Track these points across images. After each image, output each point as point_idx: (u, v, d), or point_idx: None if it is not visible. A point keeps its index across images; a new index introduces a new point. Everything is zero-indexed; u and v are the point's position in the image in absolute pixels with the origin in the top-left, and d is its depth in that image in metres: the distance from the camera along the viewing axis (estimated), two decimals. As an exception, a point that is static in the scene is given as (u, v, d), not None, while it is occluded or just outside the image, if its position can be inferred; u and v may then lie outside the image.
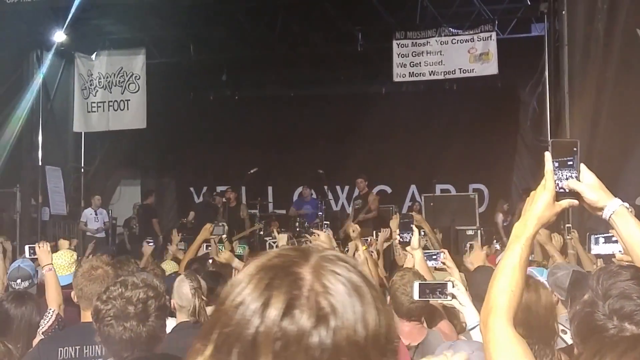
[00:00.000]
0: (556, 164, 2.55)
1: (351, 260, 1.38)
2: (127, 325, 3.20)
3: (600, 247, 3.68)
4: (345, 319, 1.26)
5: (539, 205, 2.54)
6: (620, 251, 3.45)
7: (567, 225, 10.94)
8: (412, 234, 5.55)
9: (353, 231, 7.25)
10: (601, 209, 2.57)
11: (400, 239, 5.81)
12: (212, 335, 1.29)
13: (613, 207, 2.56)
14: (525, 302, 4.16)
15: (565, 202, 2.55)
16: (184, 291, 4.83)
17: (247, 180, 18.09)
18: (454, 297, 4.01)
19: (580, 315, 2.52)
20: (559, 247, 7.50)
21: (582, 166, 2.56)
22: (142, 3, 14.93)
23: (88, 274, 4.67)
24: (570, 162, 2.55)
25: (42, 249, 5.89)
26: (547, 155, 2.59)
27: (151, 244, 9.57)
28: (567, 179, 2.54)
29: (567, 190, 2.53)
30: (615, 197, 2.55)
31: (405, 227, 5.68)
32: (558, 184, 2.55)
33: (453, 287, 4.03)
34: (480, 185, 18.46)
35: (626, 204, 2.62)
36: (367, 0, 15.71)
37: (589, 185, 2.54)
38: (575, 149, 2.59)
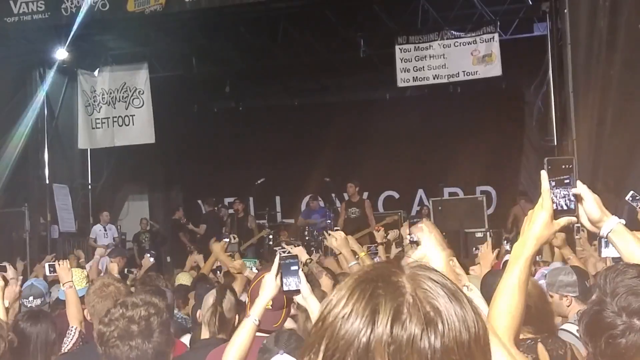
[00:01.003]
0: (552, 183, 2.55)
1: (438, 269, 1.44)
2: (132, 344, 3.18)
3: (610, 250, 3.65)
4: (451, 322, 1.30)
5: (537, 225, 2.54)
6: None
7: (577, 224, 10.91)
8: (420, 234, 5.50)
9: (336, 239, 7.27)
10: (599, 225, 2.61)
11: (410, 239, 5.79)
12: (320, 347, 1.32)
13: (611, 225, 2.60)
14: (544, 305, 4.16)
15: (564, 220, 2.57)
16: (207, 303, 4.84)
17: (255, 191, 18.11)
18: None
19: (589, 314, 2.50)
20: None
21: (581, 184, 2.56)
22: (142, 18, 14.95)
23: (100, 291, 4.69)
24: (567, 181, 2.55)
25: (62, 267, 5.93)
26: (544, 174, 2.59)
27: (152, 258, 9.57)
28: (563, 197, 2.55)
29: (566, 208, 2.54)
30: (623, 195, 2.63)
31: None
32: (555, 202, 2.55)
33: (469, 291, 4.00)
34: (487, 187, 18.41)
35: (622, 220, 2.65)
36: (368, 6, 15.72)
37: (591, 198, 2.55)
38: (571, 166, 2.58)
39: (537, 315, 4.24)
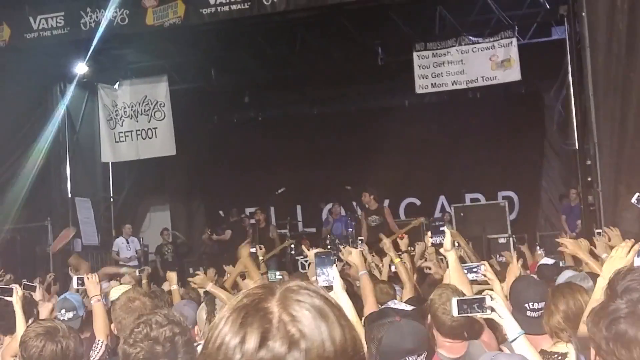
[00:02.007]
0: None
1: (312, 286, 1.56)
2: None
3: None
4: (314, 339, 1.44)
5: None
6: None
7: (598, 230, 10.86)
8: (444, 237, 5.48)
9: (385, 243, 7.26)
10: None
11: (433, 242, 5.76)
12: None
13: None
14: (580, 307, 4.16)
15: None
16: (201, 318, 4.84)
17: (276, 201, 18.15)
18: (492, 310, 3.97)
19: (597, 307, 2.55)
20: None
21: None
22: (161, 31, 15.04)
23: (126, 307, 4.71)
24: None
25: (91, 280, 5.97)
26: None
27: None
28: None
29: None
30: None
31: (436, 231, 5.62)
32: None
33: (491, 300, 3.99)
34: (509, 192, 18.36)
35: None
36: (385, 13, 15.70)
37: None
38: None
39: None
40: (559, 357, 4.14)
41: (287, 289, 1.53)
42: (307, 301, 1.50)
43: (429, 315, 4.79)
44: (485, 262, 6.26)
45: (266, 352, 1.42)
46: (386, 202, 16.72)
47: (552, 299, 4.42)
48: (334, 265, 3.77)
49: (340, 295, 3.70)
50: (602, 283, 3.34)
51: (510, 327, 3.97)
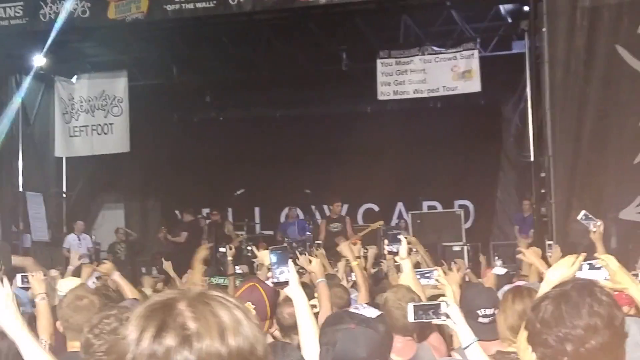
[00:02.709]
0: None
1: (229, 296, 1.65)
2: None
3: (583, 273, 3.71)
4: (208, 337, 1.52)
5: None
6: (605, 278, 3.53)
7: (549, 242, 11.05)
8: (400, 245, 5.58)
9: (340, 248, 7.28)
10: None
11: (389, 250, 5.83)
12: None
13: None
14: (524, 310, 4.21)
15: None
16: None
17: (234, 202, 18.08)
18: (447, 316, 4.01)
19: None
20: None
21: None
22: (123, 25, 14.90)
23: (74, 305, 4.61)
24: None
25: (35, 278, 5.82)
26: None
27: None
28: None
29: None
30: (599, 211, 2.83)
31: (392, 239, 5.70)
32: None
33: (447, 306, 4.02)
34: (465, 201, 18.53)
35: None
36: (351, 20, 15.77)
37: None
38: None
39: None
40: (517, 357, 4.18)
41: (202, 294, 1.62)
42: (215, 305, 1.59)
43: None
44: (439, 268, 6.32)
45: (158, 344, 1.51)
46: (345, 207, 16.88)
47: (506, 301, 4.47)
48: (290, 260, 3.75)
49: (296, 291, 3.68)
50: (544, 288, 3.39)
51: (464, 334, 4.01)
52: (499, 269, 8.69)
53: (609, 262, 3.54)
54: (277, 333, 4.92)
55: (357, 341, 3.57)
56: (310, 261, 5.78)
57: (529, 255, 7.09)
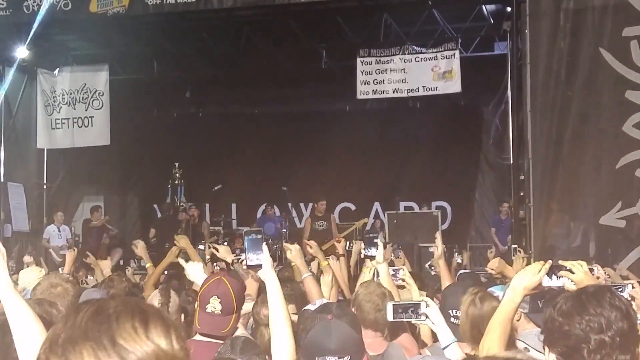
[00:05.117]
0: None
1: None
2: None
3: (550, 281, 3.72)
4: (127, 317, 1.52)
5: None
6: (572, 283, 3.55)
7: (514, 245, 11.07)
8: (377, 249, 5.63)
9: (311, 247, 7.27)
10: None
11: (366, 254, 5.86)
12: None
13: None
14: (478, 314, 4.24)
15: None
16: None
17: (211, 197, 18.04)
18: (427, 316, 4.02)
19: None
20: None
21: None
22: (105, 19, 14.84)
23: (48, 292, 4.57)
24: None
25: None
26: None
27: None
28: None
29: None
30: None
31: (370, 243, 5.73)
32: None
33: (427, 306, 4.03)
34: (443, 202, 18.55)
35: None
36: (331, 18, 15.76)
37: None
38: None
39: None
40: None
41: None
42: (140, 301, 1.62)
43: (354, 309, 4.86)
44: (404, 267, 6.37)
45: None
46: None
47: (466, 305, 4.47)
48: (264, 244, 3.73)
49: (268, 274, 3.65)
50: (509, 294, 3.41)
51: (443, 334, 4.02)
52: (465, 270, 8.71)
53: (577, 268, 3.55)
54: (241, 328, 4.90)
55: (329, 332, 3.57)
56: (290, 249, 5.75)
57: (498, 268, 7.07)
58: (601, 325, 2.49)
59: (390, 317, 4.14)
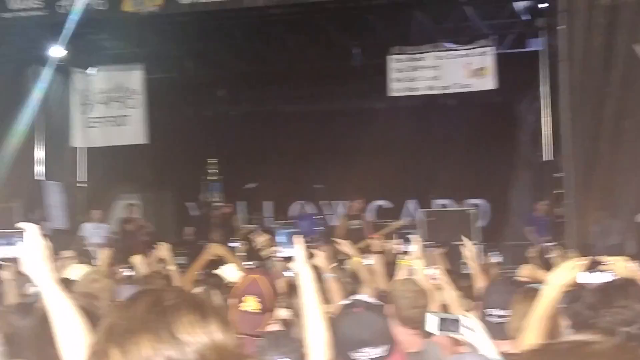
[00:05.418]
0: None
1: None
2: None
3: (586, 277, 3.65)
4: (185, 309, 1.56)
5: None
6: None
7: (550, 243, 10.95)
8: (412, 247, 5.61)
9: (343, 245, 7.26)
10: None
11: (402, 251, 5.85)
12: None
13: None
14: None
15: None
16: None
17: (246, 196, 18.10)
18: (469, 331, 3.86)
19: None
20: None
21: None
22: (138, 18, 14.92)
23: (88, 287, 4.63)
24: None
25: None
26: None
27: None
28: None
29: None
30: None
31: (405, 241, 5.72)
32: None
33: (468, 322, 3.86)
34: (478, 200, 18.44)
35: None
36: (363, 15, 15.73)
37: None
38: None
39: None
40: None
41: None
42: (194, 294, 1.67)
43: (389, 305, 4.85)
44: (440, 267, 6.32)
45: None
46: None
47: (516, 302, 4.41)
48: (298, 237, 3.72)
49: (301, 267, 3.65)
50: (546, 291, 3.39)
51: (487, 349, 3.92)
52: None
53: (616, 264, 3.52)
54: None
55: (360, 323, 3.58)
56: (312, 255, 5.73)
57: (530, 276, 6.99)
58: (628, 318, 2.46)
59: (436, 330, 3.97)
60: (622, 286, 2.58)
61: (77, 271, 6.42)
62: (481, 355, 3.78)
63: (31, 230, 3.01)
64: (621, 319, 2.49)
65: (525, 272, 6.68)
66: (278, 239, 3.74)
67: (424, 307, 4.81)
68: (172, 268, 8.16)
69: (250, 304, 4.22)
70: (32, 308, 4.98)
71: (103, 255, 8.74)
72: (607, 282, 2.73)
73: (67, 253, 8.77)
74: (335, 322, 3.74)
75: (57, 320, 3.04)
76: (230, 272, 5.22)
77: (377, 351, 3.60)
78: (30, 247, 3.01)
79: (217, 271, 5.73)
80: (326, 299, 5.60)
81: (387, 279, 7.24)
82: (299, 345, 3.53)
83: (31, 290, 5.87)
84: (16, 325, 4.58)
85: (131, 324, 1.51)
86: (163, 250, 8.21)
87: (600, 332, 2.52)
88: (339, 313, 4.12)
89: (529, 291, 4.48)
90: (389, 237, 14.04)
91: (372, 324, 3.60)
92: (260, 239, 7.06)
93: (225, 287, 6.27)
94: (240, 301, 4.22)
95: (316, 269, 6.13)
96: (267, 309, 4.24)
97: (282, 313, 5.17)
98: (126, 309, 1.56)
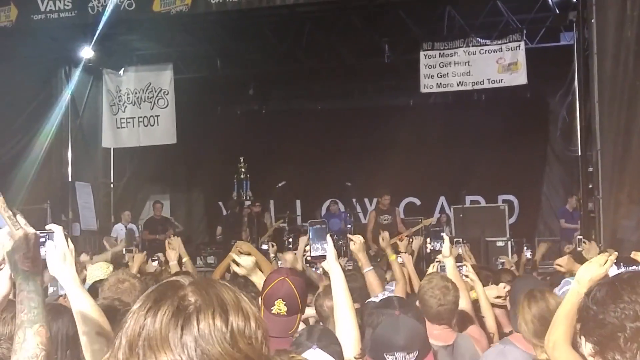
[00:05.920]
0: None
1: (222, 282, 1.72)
2: None
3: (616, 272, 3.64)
4: (208, 317, 1.57)
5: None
6: None
7: (579, 237, 10.84)
8: (442, 242, 5.59)
9: (383, 239, 7.25)
10: None
11: (431, 248, 5.83)
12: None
13: None
14: (538, 313, 4.14)
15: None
16: None
17: (275, 194, 18.11)
18: None
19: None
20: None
21: None
22: (168, 18, 14.99)
23: (115, 288, 4.65)
24: None
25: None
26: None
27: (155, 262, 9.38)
28: None
29: None
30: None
31: (435, 236, 5.70)
32: None
33: None
34: (510, 196, 18.34)
35: None
36: (393, 11, 15.66)
37: None
38: None
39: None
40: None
41: (206, 278, 1.70)
42: (218, 287, 1.65)
43: (418, 302, 4.83)
44: (468, 264, 6.29)
45: (152, 319, 1.57)
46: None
47: (522, 308, 4.34)
48: (328, 235, 3.71)
49: (333, 265, 3.64)
50: (575, 287, 3.34)
51: None
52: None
53: None
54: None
55: (397, 328, 3.57)
56: (354, 242, 5.69)
57: (566, 266, 6.92)
58: (637, 313, 2.41)
59: None
60: (629, 280, 2.53)
61: (105, 271, 6.47)
62: (513, 348, 3.76)
63: (57, 232, 3.03)
64: (630, 314, 2.44)
65: (563, 261, 6.64)
66: (310, 235, 3.72)
67: (454, 303, 4.79)
68: (185, 259, 8.21)
69: (281, 307, 4.19)
70: (65, 309, 5.02)
71: (132, 255, 8.82)
72: (616, 275, 2.67)
73: (83, 256, 8.84)
74: (374, 321, 3.72)
75: (81, 323, 3.06)
76: (245, 261, 5.15)
77: (409, 356, 3.60)
78: (55, 248, 3.03)
79: (233, 255, 5.66)
80: (364, 293, 5.61)
81: (417, 275, 7.23)
82: (337, 340, 3.52)
83: (50, 290, 5.94)
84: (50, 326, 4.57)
85: (154, 336, 1.56)
86: (174, 243, 8.25)
87: (609, 329, 2.47)
88: (373, 313, 4.09)
89: (531, 294, 4.43)
90: (419, 233, 14.08)
91: (411, 330, 3.59)
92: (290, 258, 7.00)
93: (252, 286, 6.27)
94: (271, 304, 4.19)
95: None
96: (297, 310, 4.21)
97: (311, 312, 5.16)
98: (149, 317, 1.59)
